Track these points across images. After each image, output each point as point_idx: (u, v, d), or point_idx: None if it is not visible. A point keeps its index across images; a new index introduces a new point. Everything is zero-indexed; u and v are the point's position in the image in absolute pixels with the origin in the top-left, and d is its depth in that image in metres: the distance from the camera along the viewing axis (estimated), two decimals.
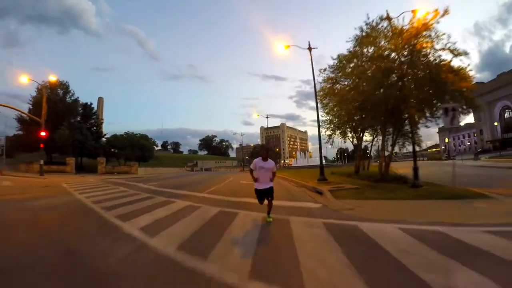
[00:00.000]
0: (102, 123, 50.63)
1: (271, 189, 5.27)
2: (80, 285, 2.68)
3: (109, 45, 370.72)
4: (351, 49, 11.96)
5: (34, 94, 40.07)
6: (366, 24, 11.11)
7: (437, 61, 9.61)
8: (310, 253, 3.34)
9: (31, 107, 39.07)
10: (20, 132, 41.14)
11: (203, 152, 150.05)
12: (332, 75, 14.09)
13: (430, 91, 9.66)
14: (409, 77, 10.28)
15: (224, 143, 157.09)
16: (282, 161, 72.52)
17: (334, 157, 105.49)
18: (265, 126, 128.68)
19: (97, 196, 9.68)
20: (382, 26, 10.86)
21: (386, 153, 12.80)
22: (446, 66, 9.50)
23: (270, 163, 5.30)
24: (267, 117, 58.23)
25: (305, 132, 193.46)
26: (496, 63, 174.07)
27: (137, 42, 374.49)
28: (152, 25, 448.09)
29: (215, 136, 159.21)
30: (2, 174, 25.82)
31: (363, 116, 12.16)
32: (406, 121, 10.85)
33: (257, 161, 5.30)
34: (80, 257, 3.42)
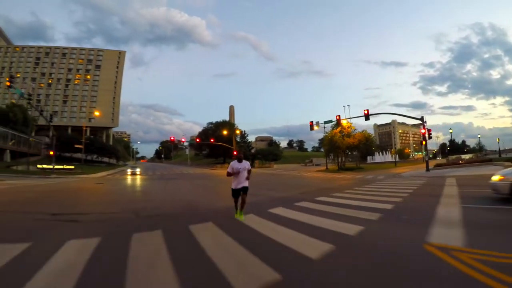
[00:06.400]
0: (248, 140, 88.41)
1: (246, 188, 6.32)
2: None
3: (225, 52, 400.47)
4: (327, 132, 37.88)
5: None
6: (331, 126, 37.01)
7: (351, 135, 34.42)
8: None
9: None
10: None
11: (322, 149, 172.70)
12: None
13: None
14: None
15: None
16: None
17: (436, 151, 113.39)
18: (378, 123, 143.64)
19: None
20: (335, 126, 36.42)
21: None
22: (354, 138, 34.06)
23: (245, 163, 6.40)
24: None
25: (418, 126, 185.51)
26: None
27: (250, 46, 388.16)
28: (262, 27, 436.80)
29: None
30: (214, 169, 61.68)
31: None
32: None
33: (234, 163, 6.35)
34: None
